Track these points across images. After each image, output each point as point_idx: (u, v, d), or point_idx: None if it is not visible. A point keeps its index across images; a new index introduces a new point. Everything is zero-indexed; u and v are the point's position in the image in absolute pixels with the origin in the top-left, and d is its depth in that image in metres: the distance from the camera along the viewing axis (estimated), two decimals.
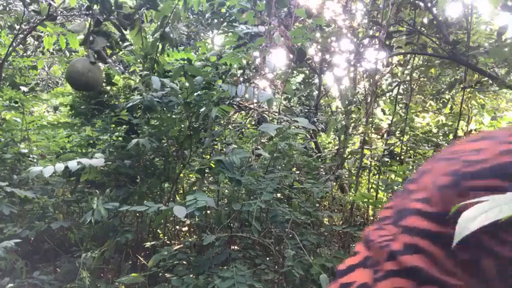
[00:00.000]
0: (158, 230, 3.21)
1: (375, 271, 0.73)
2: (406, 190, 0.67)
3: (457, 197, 0.51)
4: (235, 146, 3.11)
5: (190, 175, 3.44)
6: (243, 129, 3.87)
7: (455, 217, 0.53)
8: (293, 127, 2.44)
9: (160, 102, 2.72)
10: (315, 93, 4.18)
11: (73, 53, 4.72)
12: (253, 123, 4.09)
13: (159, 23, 3.06)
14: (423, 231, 0.53)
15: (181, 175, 3.13)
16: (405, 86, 3.88)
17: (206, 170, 2.81)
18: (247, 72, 3.73)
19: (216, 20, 4.05)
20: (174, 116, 2.97)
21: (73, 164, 2.19)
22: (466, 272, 0.50)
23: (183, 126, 2.93)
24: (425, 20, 3.08)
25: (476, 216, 0.46)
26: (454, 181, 0.52)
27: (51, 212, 3.11)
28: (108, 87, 3.49)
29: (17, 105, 3.36)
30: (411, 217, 0.60)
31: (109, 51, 3.29)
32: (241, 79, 3.57)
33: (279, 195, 2.99)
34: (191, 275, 2.27)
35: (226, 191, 3.34)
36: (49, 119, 3.93)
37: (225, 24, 4.04)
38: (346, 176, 3.54)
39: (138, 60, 3.33)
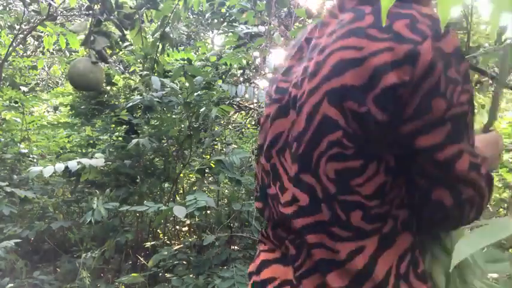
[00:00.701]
0: (158, 230, 3.21)
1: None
2: None
3: None
4: (235, 146, 3.11)
5: (190, 175, 3.44)
6: (243, 129, 3.87)
7: None
8: None
9: (160, 102, 2.72)
10: None
11: (73, 53, 4.72)
12: (253, 123, 4.09)
13: (159, 23, 3.06)
14: None
15: (181, 175, 3.13)
16: None
17: (206, 170, 2.81)
18: (247, 72, 3.73)
19: (216, 20, 4.05)
20: (174, 116, 2.97)
21: (73, 164, 2.20)
22: None
23: (183, 126, 2.93)
24: None
25: (471, 243, 0.49)
26: None
27: (51, 212, 3.11)
28: (108, 87, 3.49)
29: (17, 105, 3.36)
30: None
31: (109, 51, 3.29)
32: (241, 79, 3.57)
33: None
34: (191, 275, 2.27)
35: (226, 191, 3.35)
36: (49, 119, 3.93)
37: (225, 24, 4.04)
38: None
39: (138, 60, 3.33)
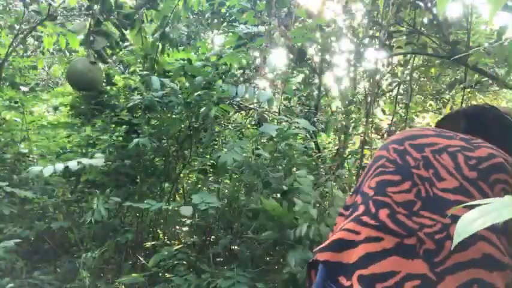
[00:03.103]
0: (158, 230, 3.21)
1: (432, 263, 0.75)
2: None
3: None
4: (238, 141, 3.10)
5: (190, 175, 3.44)
6: (243, 129, 3.87)
7: None
8: (293, 128, 2.44)
9: (160, 102, 2.72)
10: (315, 93, 4.17)
11: (73, 53, 4.71)
12: (253, 123, 4.08)
13: (159, 23, 3.06)
14: None
15: (181, 175, 3.13)
16: (405, 86, 3.88)
17: (207, 170, 2.82)
18: (247, 72, 3.73)
19: (216, 20, 4.05)
20: (174, 116, 2.97)
21: (73, 164, 2.19)
22: None
23: (183, 126, 2.93)
24: (425, 20, 3.08)
25: (474, 219, 0.47)
26: None
27: (51, 212, 3.11)
28: (108, 87, 3.49)
29: (17, 105, 3.36)
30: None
31: (109, 51, 3.29)
32: (241, 79, 3.57)
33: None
34: (191, 275, 2.27)
35: (226, 190, 3.34)
36: (49, 119, 3.92)
37: (225, 24, 4.04)
38: (346, 176, 3.54)
39: (138, 60, 3.33)
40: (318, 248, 0.93)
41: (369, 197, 0.95)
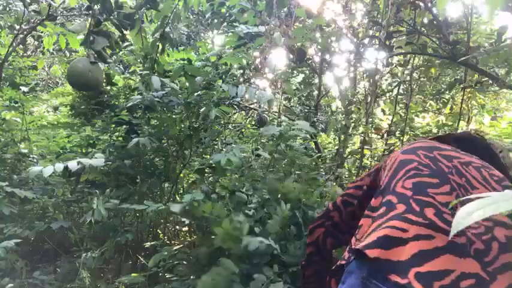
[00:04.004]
0: (158, 230, 3.21)
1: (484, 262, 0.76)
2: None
3: None
4: (235, 146, 3.10)
5: (191, 175, 3.44)
6: (243, 129, 3.87)
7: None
8: (294, 129, 2.44)
9: (160, 102, 2.72)
10: (315, 93, 4.17)
11: (73, 53, 4.71)
12: (253, 123, 4.08)
13: (159, 23, 3.06)
14: None
15: (182, 175, 3.13)
16: (405, 86, 3.88)
17: (206, 170, 2.81)
18: (247, 72, 3.73)
19: (216, 20, 4.04)
20: (174, 116, 2.97)
21: (73, 164, 2.19)
22: None
23: (183, 126, 2.93)
24: (425, 20, 3.08)
25: (473, 211, 0.47)
26: None
27: (51, 212, 3.11)
28: (108, 87, 3.49)
29: (17, 105, 3.36)
30: None
31: (109, 51, 3.29)
32: (241, 79, 3.57)
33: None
34: (192, 276, 2.27)
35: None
36: (49, 119, 3.92)
37: (225, 24, 4.04)
38: (346, 176, 3.54)
39: (138, 60, 3.33)
40: (361, 245, 0.88)
41: (407, 196, 0.93)
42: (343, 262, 0.94)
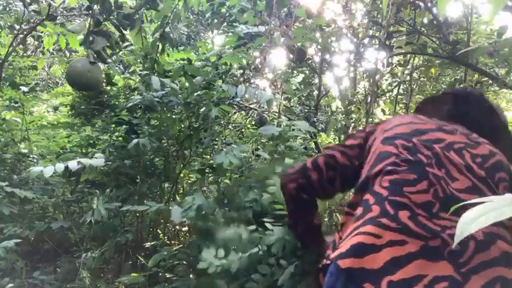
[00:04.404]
0: (158, 230, 3.21)
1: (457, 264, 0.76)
2: None
3: None
4: (235, 146, 3.10)
5: (191, 175, 3.44)
6: (243, 129, 3.87)
7: None
8: (294, 129, 2.44)
9: (160, 102, 2.72)
10: (315, 93, 4.17)
11: (73, 53, 4.71)
12: (253, 123, 4.08)
13: (159, 23, 3.06)
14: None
15: (182, 175, 3.13)
16: (405, 86, 3.88)
17: (206, 170, 2.81)
18: (247, 72, 3.73)
19: (216, 20, 4.05)
20: (174, 116, 2.97)
21: (73, 164, 2.19)
22: None
23: (183, 126, 2.93)
24: (425, 20, 3.08)
25: (476, 217, 0.47)
26: None
27: (51, 212, 3.11)
28: (108, 87, 3.49)
29: (17, 105, 3.36)
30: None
31: (109, 51, 3.29)
32: (241, 79, 3.57)
33: None
34: (191, 275, 2.27)
35: (225, 191, 3.34)
36: (49, 119, 3.92)
37: (225, 24, 4.04)
38: None
39: (138, 60, 3.33)
40: (335, 254, 0.89)
41: (383, 197, 0.92)
42: (328, 262, 0.93)
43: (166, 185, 3.18)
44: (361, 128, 3.64)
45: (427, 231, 0.83)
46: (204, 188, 3.11)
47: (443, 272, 0.78)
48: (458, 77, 3.70)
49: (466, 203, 0.60)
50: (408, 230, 0.84)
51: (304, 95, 4.47)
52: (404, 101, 3.94)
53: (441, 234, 0.82)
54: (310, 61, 3.98)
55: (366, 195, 0.97)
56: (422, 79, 3.97)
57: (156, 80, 2.48)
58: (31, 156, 3.33)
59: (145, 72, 2.96)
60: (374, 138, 1.14)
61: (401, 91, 3.88)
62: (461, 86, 3.45)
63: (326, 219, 2.33)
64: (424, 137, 1.01)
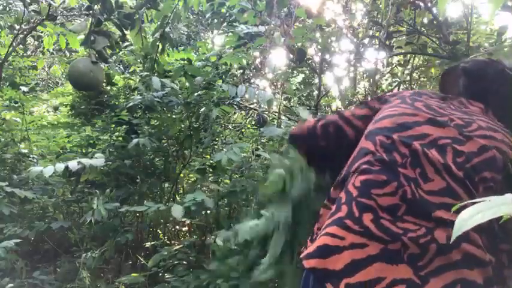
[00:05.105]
0: (158, 230, 3.21)
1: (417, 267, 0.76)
2: None
3: None
4: (235, 144, 3.10)
5: (191, 175, 3.44)
6: (243, 129, 3.87)
7: None
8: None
9: (160, 102, 2.72)
10: (315, 93, 4.17)
11: (73, 53, 4.72)
12: (253, 123, 4.09)
13: (159, 23, 3.06)
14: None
15: (182, 175, 3.13)
16: (405, 86, 3.88)
17: (206, 170, 2.81)
18: (247, 72, 3.73)
19: (216, 20, 4.05)
20: (174, 116, 2.97)
21: (73, 164, 2.20)
22: None
23: (183, 126, 2.93)
24: (425, 20, 3.08)
25: (473, 215, 0.47)
26: None
27: (51, 212, 3.11)
28: (108, 87, 3.49)
29: (17, 105, 3.36)
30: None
31: (109, 51, 3.29)
32: (241, 79, 3.57)
33: None
34: (191, 275, 2.27)
35: (226, 190, 3.34)
36: (49, 119, 3.93)
37: (225, 24, 4.04)
38: None
39: (138, 60, 3.33)
40: (304, 254, 0.91)
41: (352, 197, 0.92)
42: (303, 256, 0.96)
43: (166, 185, 3.18)
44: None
45: (388, 235, 0.83)
46: (204, 188, 3.11)
47: (402, 275, 0.79)
48: None
49: (465, 205, 0.60)
50: (369, 233, 0.84)
51: (304, 95, 4.47)
52: None
53: (402, 237, 0.82)
54: (310, 61, 3.98)
55: (341, 192, 0.98)
56: (422, 79, 3.97)
57: (156, 81, 2.49)
58: (31, 156, 3.33)
59: (145, 72, 2.96)
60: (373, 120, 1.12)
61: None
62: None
63: None
64: (407, 133, 0.98)
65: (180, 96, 2.74)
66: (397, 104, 1.08)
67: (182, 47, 4.68)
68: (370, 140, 1.02)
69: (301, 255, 0.91)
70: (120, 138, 3.08)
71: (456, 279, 0.77)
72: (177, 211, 2.01)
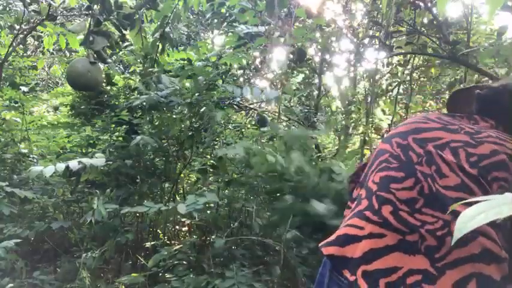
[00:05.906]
0: (158, 230, 3.21)
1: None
2: None
3: None
4: (239, 142, 3.10)
5: (191, 175, 3.44)
6: (243, 129, 3.87)
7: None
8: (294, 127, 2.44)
9: (161, 102, 2.72)
10: (315, 93, 4.17)
11: (73, 53, 4.72)
12: (253, 123, 4.08)
13: (159, 23, 3.06)
14: None
15: (182, 175, 3.13)
16: (405, 86, 3.88)
17: (207, 170, 2.81)
18: (247, 72, 3.73)
19: (216, 20, 4.05)
20: (174, 116, 2.97)
21: (74, 164, 2.20)
22: None
23: (183, 126, 2.93)
24: (425, 20, 3.08)
25: (475, 215, 0.47)
26: None
27: (51, 212, 3.10)
28: (108, 87, 3.49)
29: (17, 105, 3.36)
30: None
31: (109, 51, 3.29)
32: (241, 79, 3.57)
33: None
34: (191, 275, 2.27)
35: (227, 191, 3.34)
36: (49, 119, 3.92)
37: (225, 24, 4.04)
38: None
39: (138, 60, 3.33)
40: (323, 242, 0.95)
41: (372, 192, 0.97)
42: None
43: (167, 185, 3.18)
44: (361, 128, 3.64)
45: (406, 226, 0.87)
46: (204, 188, 3.11)
47: (419, 265, 0.81)
48: (458, 77, 3.70)
49: (462, 202, 0.60)
50: (388, 224, 0.88)
51: (304, 95, 4.48)
52: (404, 101, 3.95)
53: (420, 229, 0.85)
54: (310, 61, 3.98)
55: (362, 190, 1.03)
56: (422, 79, 3.97)
57: (166, 79, 2.49)
58: (31, 156, 3.33)
59: (149, 69, 2.96)
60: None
61: (401, 91, 3.88)
62: (462, 85, 3.45)
63: None
64: (421, 135, 1.04)
65: (179, 96, 2.74)
66: (411, 117, 1.15)
67: (182, 47, 4.68)
68: (387, 142, 1.07)
69: (320, 244, 0.96)
70: (120, 138, 3.08)
71: (472, 273, 0.79)
72: (182, 209, 2.03)
